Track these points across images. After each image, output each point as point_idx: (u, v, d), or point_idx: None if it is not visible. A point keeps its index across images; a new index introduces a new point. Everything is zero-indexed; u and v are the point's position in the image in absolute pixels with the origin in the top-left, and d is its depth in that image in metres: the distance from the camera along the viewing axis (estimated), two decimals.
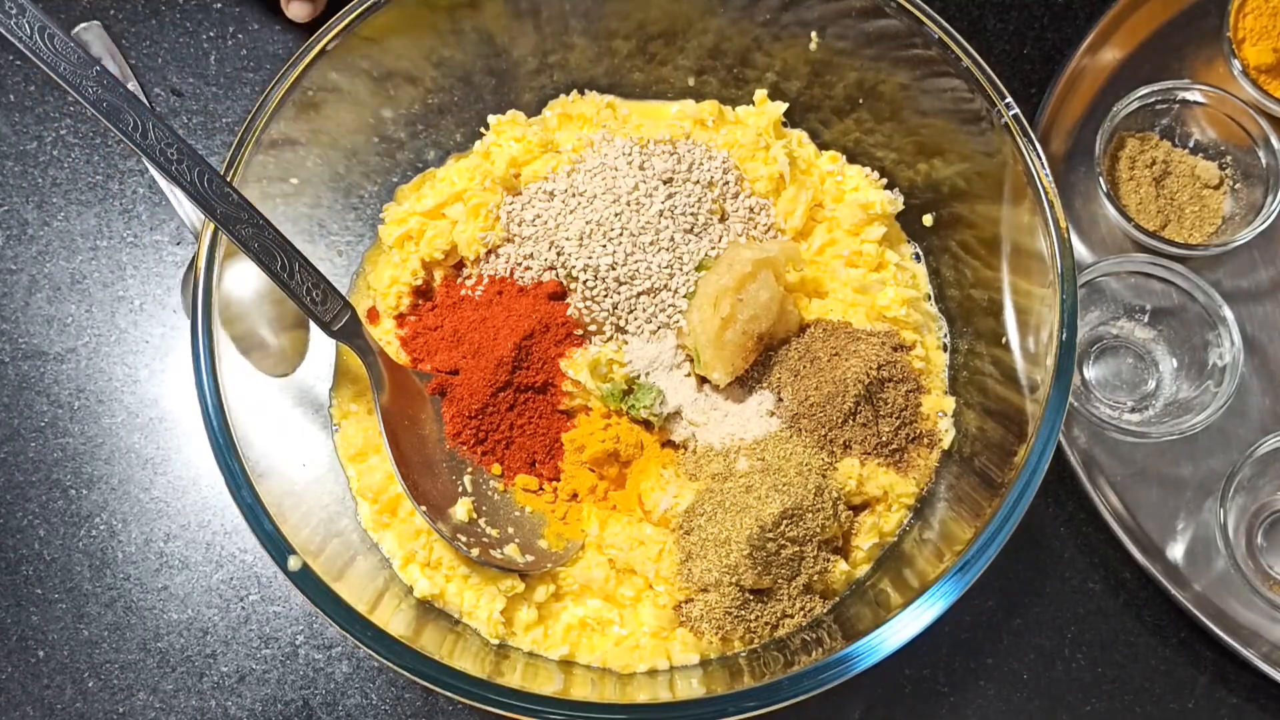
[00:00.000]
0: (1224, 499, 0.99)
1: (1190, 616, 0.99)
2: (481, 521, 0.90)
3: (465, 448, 0.93)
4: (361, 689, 1.00)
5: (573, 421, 0.95)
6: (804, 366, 0.93)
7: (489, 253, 0.98)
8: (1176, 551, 1.02)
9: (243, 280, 0.89)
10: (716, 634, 0.88)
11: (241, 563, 1.03)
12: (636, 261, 0.94)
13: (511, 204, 0.98)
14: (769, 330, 0.93)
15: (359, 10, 0.91)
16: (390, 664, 0.78)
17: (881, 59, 0.97)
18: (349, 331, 0.89)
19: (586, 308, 0.95)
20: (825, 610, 0.90)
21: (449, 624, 0.90)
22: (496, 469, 0.93)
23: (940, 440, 0.95)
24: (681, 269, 0.94)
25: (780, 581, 0.88)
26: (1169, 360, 1.08)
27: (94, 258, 1.10)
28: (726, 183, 0.98)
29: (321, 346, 0.96)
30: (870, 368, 0.91)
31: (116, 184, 1.12)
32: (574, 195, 0.97)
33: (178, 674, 1.00)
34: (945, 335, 1.01)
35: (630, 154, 0.98)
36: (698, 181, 0.97)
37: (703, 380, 0.94)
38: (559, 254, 0.95)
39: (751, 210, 0.99)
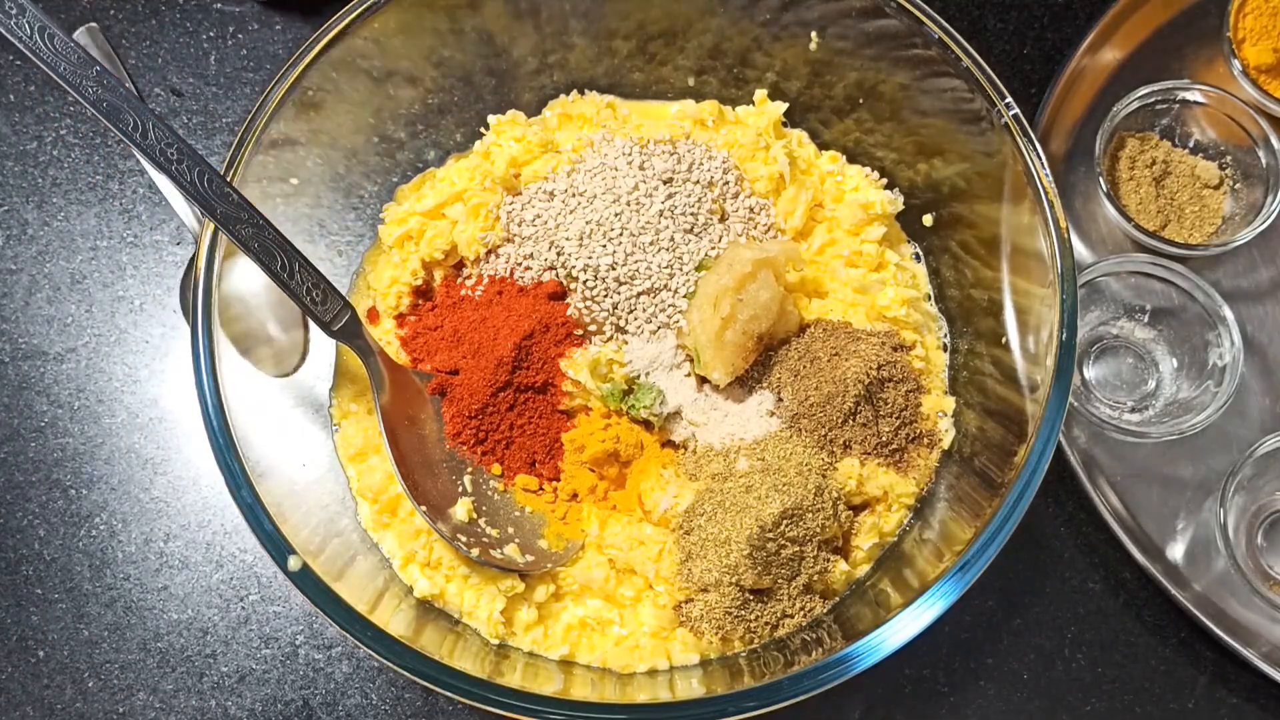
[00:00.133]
0: (1224, 499, 0.99)
1: (1190, 616, 0.99)
2: (481, 521, 0.90)
3: (465, 448, 0.93)
4: (361, 689, 1.00)
5: (573, 421, 0.95)
6: (804, 366, 0.93)
7: (489, 253, 0.98)
8: (1176, 551, 1.02)
9: (243, 280, 0.89)
10: (716, 634, 0.88)
11: (241, 563, 1.03)
12: (636, 261, 0.94)
13: (511, 204, 0.98)
14: (769, 330, 0.93)
15: (359, 10, 0.91)
16: (390, 664, 0.78)
17: (881, 59, 0.97)
18: (349, 331, 0.89)
19: (586, 308, 0.95)
20: (825, 610, 0.90)
21: (449, 624, 0.90)
22: (496, 469, 0.93)
23: (940, 440, 0.95)
24: (681, 269, 0.94)
25: (780, 581, 0.88)
26: (1169, 360, 1.08)
27: (94, 258, 1.10)
28: (726, 183, 0.98)
29: (321, 346, 0.96)
30: (870, 368, 0.91)
31: (116, 184, 1.12)
32: (574, 195, 0.97)
33: (178, 674, 1.00)
34: (945, 335, 1.01)
35: (630, 154, 0.98)
36: (698, 181, 0.97)
37: (703, 380, 0.94)
38: (559, 254, 0.95)
39: (751, 210, 0.99)
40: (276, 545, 0.80)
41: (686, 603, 0.89)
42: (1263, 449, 1.00)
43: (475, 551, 0.88)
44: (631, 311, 0.94)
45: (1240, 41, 1.10)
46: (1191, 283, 1.04)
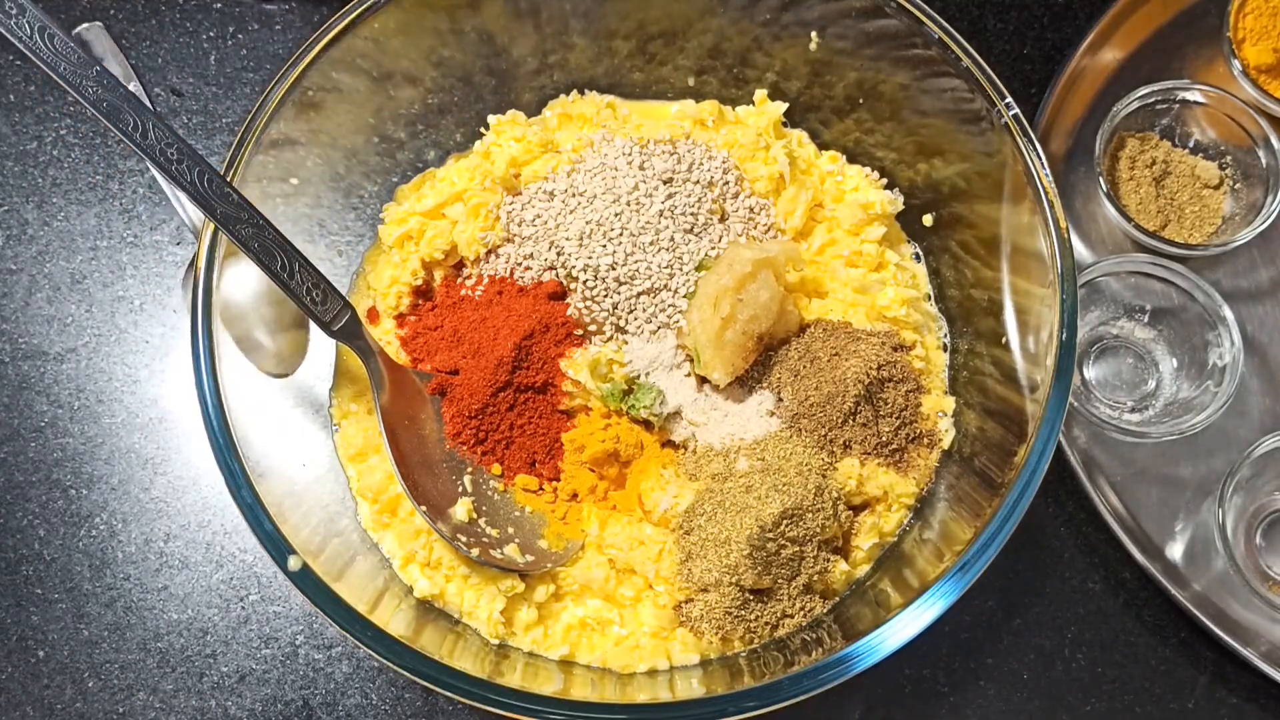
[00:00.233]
0: (1222, 499, 0.99)
1: (1190, 616, 0.99)
2: (481, 521, 0.90)
3: (465, 448, 0.93)
4: (361, 689, 1.00)
5: (573, 421, 0.95)
6: (804, 366, 0.93)
7: (489, 253, 0.98)
8: (1176, 551, 1.02)
9: (243, 280, 0.89)
10: (716, 634, 0.88)
11: (241, 563, 1.03)
12: (636, 261, 0.94)
13: (511, 204, 0.98)
14: (769, 330, 0.93)
15: (359, 10, 0.91)
16: (390, 664, 0.78)
17: (881, 59, 0.97)
18: (349, 331, 0.89)
19: (586, 308, 0.95)
20: (825, 610, 0.90)
21: (449, 624, 0.90)
22: (496, 469, 0.93)
23: (940, 440, 0.95)
24: (681, 269, 0.94)
25: (780, 581, 0.88)
26: (1169, 360, 1.08)
27: (94, 258, 1.10)
28: (726, 183, 0.98)
29: (321, 346, 0.96)
30: (870, 368, 0.91)
31: (116, 184, 1.12)
32: (574, 195, 0.97)
33: (178, 674, 1.00)
34: (945, 335, 1.01)
35: (630, 154, 0.98)
36: (698, 181, 0.97)
37: (703, 380, 0.94)
38: (559, 254, 0.95)
39: (751, 210, 0.99)
40: (276, 545, 0.80)
41: (686, 603, 0.89)
42: (1261, 449, 1.00)
43: (475, 551, 0.88)
44: (631, 311, 0.94)
45: (1240, 41, 1.10)
46: (1191, 283, 1.04)
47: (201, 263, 0.86)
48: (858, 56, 0.98)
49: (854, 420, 0.92)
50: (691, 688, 0.86)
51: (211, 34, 1.16)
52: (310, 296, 0.86)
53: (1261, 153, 1.08)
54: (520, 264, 0.97)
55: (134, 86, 1.05)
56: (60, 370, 1.07)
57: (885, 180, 1.03)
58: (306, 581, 0.79)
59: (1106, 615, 1.02)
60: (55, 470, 1.05)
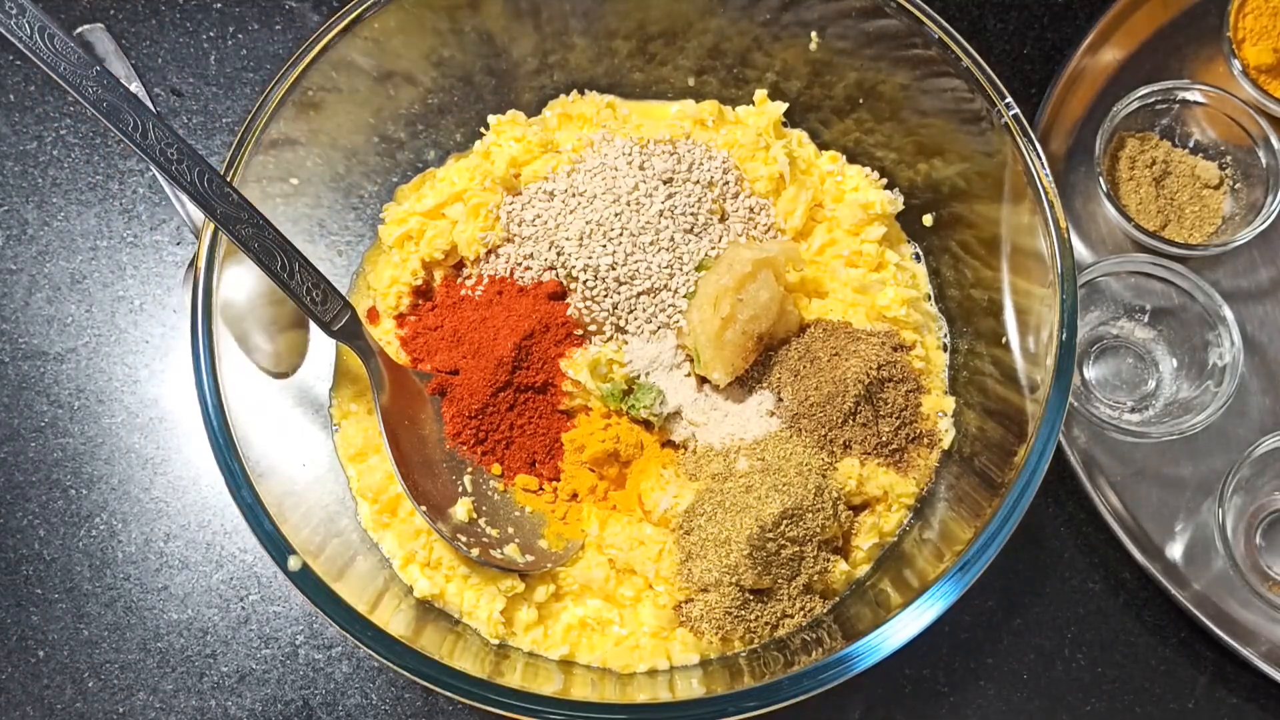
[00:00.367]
0: (1222, 499, 0.99)
1: (1190, 616, 0.99)
2: (481, 521, 0.90)
3: (465, 448, 0.93)
4: (361, 689, 1.00)
5: (573, 421, 0.95)
6: (804, 366, 0.93)
7: (489, 253, 0.98)
8: (1176, 551, 1.02)
9: (243, 280, 0.89)
10: (716, 634, 0.88)
11: (241, 563, 1.03)
12: (636, 261, 0.94)
13: (511, 204, 0.98)
14: (769, 330, 0.93)
15: (359, 10, 0.91)
16: (390, 664, 0.78)
17: (881, 59, 0.97)
18: (349, 331, 0.89)
19: (586, 308, 0.95)
20: (825, 610, 0.90)
21: (449, 624, 0.90)
22: (496, 469, 0.93)
23: (940, 440, 0.95)
24: (681, 269, 0.94)
25: (780, 581, 0.88)
26: (1169, 360, 1.08)
27: (94, 258, 1.10)
28: (726, 183, 0.98)
29: (321, 346, 0.96)
30: (870, 368, 0.91)
31: (116, 184, 1.12)
32: (574, 195, 0.97)
33: (178, 674, 1.00)
34: (945, 335, 1.01)
35: (630, 154, 0.98)
36: (698, 181, 0.97)
37: (703, 380, 0.94)
38: (559, 254, 0.95)
39: (751, 210, 0.99)
40: (276, 545, 0.80)
41: (686, 603, 0.89)
42: (1261, 449, 1.00)
43: (475, 551, 0.88)
44: (631, 311, 0.94)
45: (1240, 41, 1.10)
46: (1191, 283, 1.04)
47: (201, 263, 0.86)
48: (858, 56, 0.98)
49: (854, 420, 0.92)
50: (691, 688, 0.86)
51: (211, 34, 1.16)
52: (310, 296, 0.86)
53: (1261, 153, 1.08)
54: (520, 264, 0.97)
55: (135, 87, 1.05)
56: (60, 370, 1.07)
57: (885, 180, 1.03)
58: (306, 581, 0.79)
59: (1106, 615, 1.02)
60: (55, 470, 1.05)
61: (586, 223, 0.94)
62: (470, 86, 1.02)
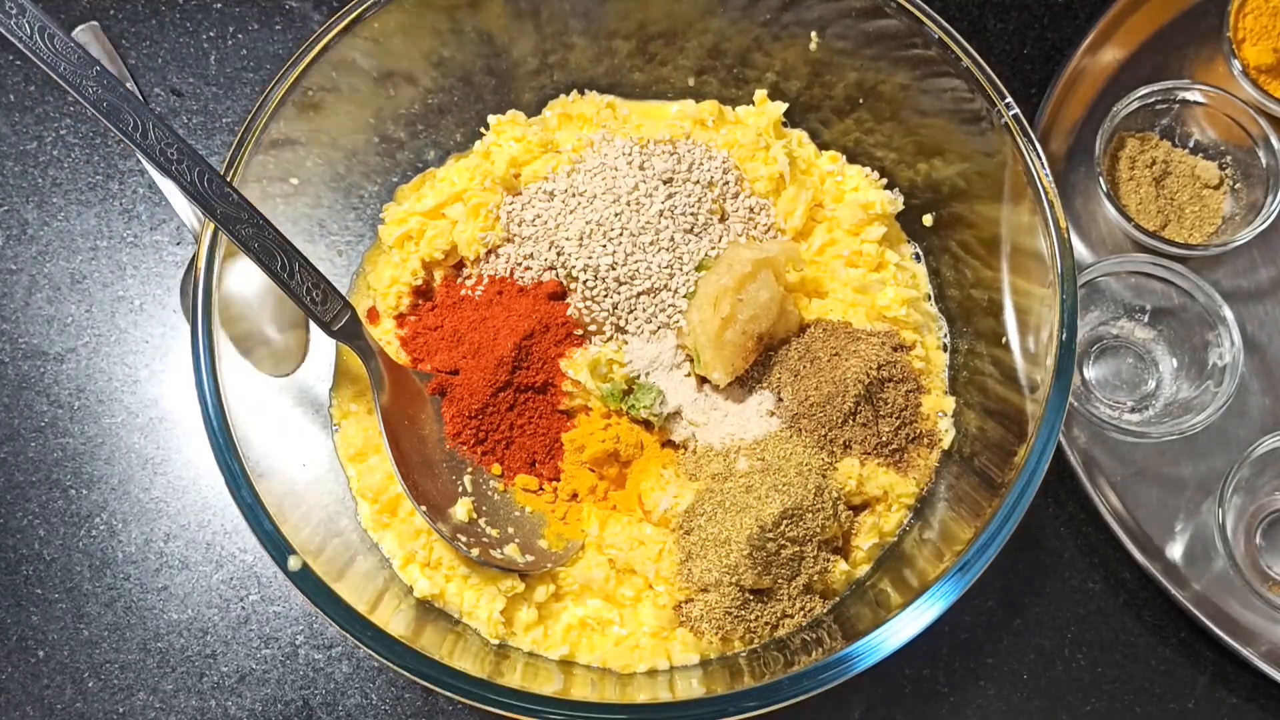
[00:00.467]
0: (1222, 499, 0.99)
1: (1190, 616, 0.99)
2: (481, 521, 0.90)
3: (465, 448, 0.93)
4: (361, 689, 1.00)
5: (573, 421, 0.95)
6: (804, 366, 0.93)
7: (489, 253, 0.98)
8: (1176, 551, 1.02)
9: (243, 280, 0.89)
10: (716, 634, 0.88)
11: (241, 563, 1.03)
12: (636, 261, 0.94)
13: (511, 204, 0.98)
14: (769, 330, 0.93)
15: (359, 10, 0.91)
16: (390, 664, 0.78)
17: (881, 59, 0.97)
18: (349, 331, 0.89)
19: (586, 308, 0.95)
20: (825, 610, 0.90)
21: (449, 624, 0.90)
22: (496, 469, 0.93)
23: (940, 440, 0.95)
24: (681, 269, 0.94)
25: (780, 581, 0.88)
26: (1169, 360, 1.08)
27: (94, 258, 1.10)
28: (726, 183, 0.98)
29: (321, 346, 0.96)
30: (870, 368, 0.91)
31: (116, 184, 1.12)
32: (574, 195, 0.97)
33: (178, 674, 1.00)
34: (945, 335, 1.01)
35: (630, 154, 0.98)
36: (698, 181, 0.97)
37: (703, 380, 0.94)
38: (559, 254, 0.95)
39: (751, 210, 0.99)
40: (276, 545, 0.80)
41: (686, 603, 0.89)
42: (1261, 449, 1.00)
43: (475, 551, 0.88)
44: (631, 311, 0.94)
45: (1240, 41, 1.10)
46: (1191, 283, 1.04)
47: (201, 263, 0.86)
48: (858, 56, 0.98)
49: (854, 420, 0.92)
50: (691, 688, 0.86)
51: (211, 34, 1.16)
52: (310, 296, 0.86)
53: (1261, 153, 1.08)
54: (520, 264, 0.97)
55: (130, 87, 1.05)
56: (60, 370, 1.07)
57: (885, 180, 1.03)
58: (306, 581, 0.79)
59: (1106, 615, 1.02)
60: (55, 470, 1.05)
61: (586, 223, 0.94)
62: (470, 86, 1.02)
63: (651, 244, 0.94)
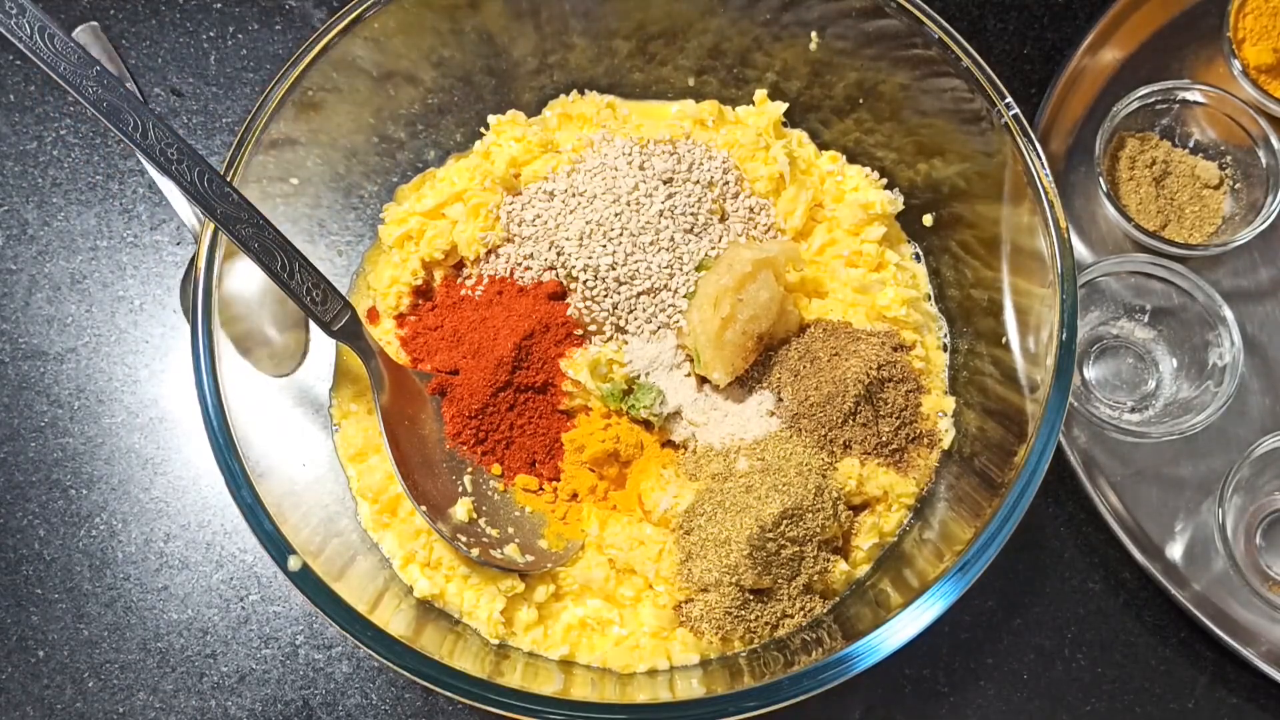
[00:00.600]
0: (1221, 499, 0.99)
1: (1190, 616, 0.99)
2: (481, 521, 0.90)
3: (465, 448, 0.93)
4: (361, 689, 1.00)
5: (573, 421, 0.95)
6: (804, 366, 0.93)
7: (489, 253, 0.98)
8: (1176, 551, 1.02)
9: (243, 280, 0.89)
10: (716, 634, 0.88)
11: (241, 563, 1.03)
12: (636, 261, 0.94)
13: (511, 204, 0.98)
14: (769, 330, 0.93)
15: (359, 10, 0.91)
16: (390, 664, 0.78)
17: (881, 59, 0.97)
18: (349, 331, 0.89)
19: (586, 308, 0.95)
20: (825, 610, 0.90)
21: (449, 624, 0.90)
22: (496, 469, 0.93)
23: (940, 440, 0.95)
24: (681, 269, 0.94)
25: (780, 581, 0.88)
26: (1169, 360, 1.08)
27: (94, 258, 1.10)
28: (726, 183, 0.98)
29: (321, 346, 0.96)
30: (870, 368, 0.91)
31: (116, 184, 1.12)
32: (574, 195, 0.97)
33: (178, 674, 1.00)
34: (945, 335, 1.01)
35: (630, 154, 0.98)
36: (698, 181, 0.97)
37: (703, 380, 0.94)
38: (559, 254, 0.95)
39: (751, 210, 0.99)
40: (276, 545, 0.80)
41: (686, 603, 0.89)
42: (1261, 449, 1.00)
43: (475, 551, 0.88)
44: (631, 311, 0.94)
45: (1240, 41, 1.10)
46: (1191, 283, 1.04)
47: (201, 263, 0.86)
48: (858, 56, 0.98)
49: (854, 420, 0.92)
50: (691, 688, 0.86)
51: (211, 34, 1.16)
52: (310, 296, 0.86)
53: (1261, 153, 1.08)
54: (520, 264, 0.97)
55: (130, 88, 1.05)
56: (60, 370, 1.07)
57: (885, 180, 1.03)
58: (306, 581, 0.79)
59: (1106, 615, 1.02)
60: (55, 470, 1.05)
61: (586, 223, 0.94)
62: (470, 86, 1.02)
63: (651, 244, 0.94)
